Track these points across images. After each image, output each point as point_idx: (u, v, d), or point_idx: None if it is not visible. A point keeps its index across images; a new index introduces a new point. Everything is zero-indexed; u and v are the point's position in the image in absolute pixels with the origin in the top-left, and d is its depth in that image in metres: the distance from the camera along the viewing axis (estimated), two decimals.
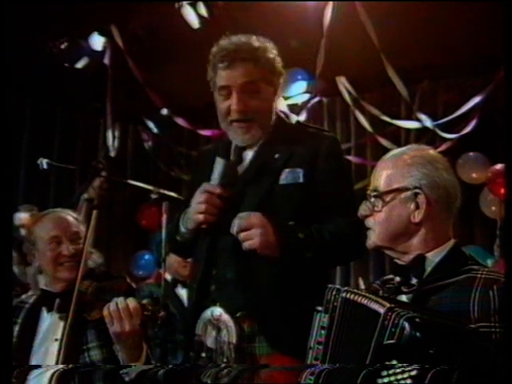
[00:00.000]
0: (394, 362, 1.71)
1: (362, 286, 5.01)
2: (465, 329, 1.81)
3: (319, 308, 1.99)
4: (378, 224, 2.05)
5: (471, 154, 5.34)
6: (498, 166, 5.09)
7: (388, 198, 2.03)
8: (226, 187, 2.45)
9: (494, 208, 5.20)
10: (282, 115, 2.67)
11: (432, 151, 2.14)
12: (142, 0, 5.15)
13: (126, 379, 2.25)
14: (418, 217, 2.00)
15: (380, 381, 1.70)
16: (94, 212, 2.79)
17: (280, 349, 2.36)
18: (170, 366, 2.45)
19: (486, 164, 5.23)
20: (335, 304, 1.95)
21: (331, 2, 4.76)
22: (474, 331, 1.82)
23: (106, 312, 2.52)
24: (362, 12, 4.67)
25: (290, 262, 2.39)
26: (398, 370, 1.70)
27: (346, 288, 1.97)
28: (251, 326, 2.41)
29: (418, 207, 2.01)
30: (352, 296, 1.92)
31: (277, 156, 2.51)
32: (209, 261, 2.49)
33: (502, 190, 5.01)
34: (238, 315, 2.39)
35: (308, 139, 2.57)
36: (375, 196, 2.05)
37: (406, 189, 2.02)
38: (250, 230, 2.35)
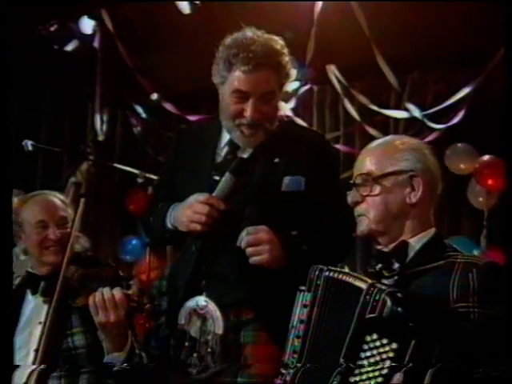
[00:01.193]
0: (375, 336, 1.75)
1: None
2: (445, 307, 1.86)
3: (302, 287, 2.03)
4: (372, 208, 2.08)
5: (459, 144, 5.34)
6: (486, 157, 5.11)
7: (385, 182, 2.06)
8: (227, 201, 2.42)
9: (481, 199, 5.21)
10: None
11: (415, 140, 2.20)
12: None
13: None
14: (413, 198, 2.05)
15: (363, 354, 1.75)
16: (82, 199, 2.78)
17: (270, 338, 2.37)
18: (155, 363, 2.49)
19: (474, 155, 5.25)
20: (318, 283, 1.99)
21: None
22: (453, 310, 1.86)
23: (91, 301, 2.50)
24: (354, 2, 4.66)
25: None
26: (370, 369, 1.73)
27: (328, 267, 2.00)
28: (237, 317, 2.42)
29: (413, 189, 2.05)
30: (335, 274, 1.96)
31: (276, 160, 2.50)
32: (199, 258, 2.46)
33: (490, 181, 5.04)
34: (225, 306, 2.39)
35: (305, 144, 2.56)
36: (373, 179, 2.07)
37: (401, 172, 2.06)
38: (258, 245, 2.35)
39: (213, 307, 2.39)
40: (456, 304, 1.87)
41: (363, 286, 1.84)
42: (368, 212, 2.08)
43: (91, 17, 5.53)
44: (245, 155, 2.50)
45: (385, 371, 1.72)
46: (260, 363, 2.38)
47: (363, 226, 2.11)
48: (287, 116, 4.98)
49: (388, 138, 2.23)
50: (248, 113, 2.42)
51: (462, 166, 5.30)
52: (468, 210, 5.39)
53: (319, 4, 4.78)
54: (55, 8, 5.34)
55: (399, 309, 1.74)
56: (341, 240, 2.49)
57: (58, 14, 5.52)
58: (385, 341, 1.74)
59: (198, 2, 5.07)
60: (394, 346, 1.72)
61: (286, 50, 2.50)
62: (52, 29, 5.58)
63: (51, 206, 2.96)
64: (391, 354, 1.72)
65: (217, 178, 2.47)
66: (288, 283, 2.19)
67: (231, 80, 2.44)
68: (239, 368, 2.39)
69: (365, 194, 2.09)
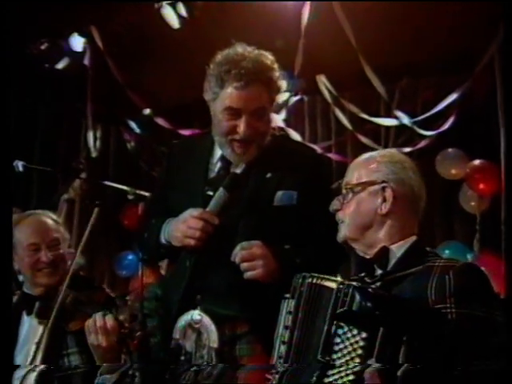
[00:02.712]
0: (346, 329, 1.86)
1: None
2: (413, 300, 1.94)
3: (287, 295, 2.10)
4: (347, 216, 2.18)
5: (450, 150, 5.38)
6: (477, 162, 5.15)
7: (358, 191, 2.16)
8: (221, 216, 2.45)
9: (473, 203, 5.25)
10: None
11: (399, 153, 2.30)
12: (122, 0, 5.15)
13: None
14: (384, 209, 2.13)
15: (336, 347, 1.86)
16: (96, 209, 2.79)
17: (265, 350, 2.36)
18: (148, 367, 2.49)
19: (465, 160, 5.28)
20: (302, 289, 2.06)
21: (309, 2, 4.79)
22: (422, 302, 1.93)
23: (86, 327, 2.54)
24: (340, 12, 4.70)
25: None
26: (350, 335, 1.83)
27: (311, 274, 2.06)
28: (232, 330, 2.44)
29: (384, 200, 2.13)
30: (315, 280, 2.03)
31: (269, 176, 2.53)
32: (193, 273, 2.47)
33: (481, 186, 5.07)
34: (220, 320, 2.41)
35: (297, 158, 2.59)
36: (346, 189, 2.18)
37: (373, 182, 2.15)
38: (253, 261, 2.38)
39: (207, 321, 2.41)
40: (434, 306, 1.93)
41: (334, 285, 1.94)
42: (344, 219, 2.18)
43: (81, 34, 5.55)
44: (238, 170, 2.52)
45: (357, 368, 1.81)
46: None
47: (341, 232, 2.20)
48: (280, 129, 5.00)
49: (379, 151, 2.37)
50: (241, 129, 2.45)
51: (453, 171, 5.34)
52: (460, 214, 5.43)
53: (306, 15, 4.81)
54: (45, 25, 5.36)
55: (367, 301, 1.83)
56: (333, 252, 2.50)
57: (47, 32, 5.54)
58: (355, 331, 1.84)
59: (186, 16, 5.09)
60: (364, 335, 1.82)
61: (276, 66, 2.53)
62: (42, 47, 5.60)
63: (43, 228, 2.97)
64: (362, 344, 1.82)
65: (210, 193, 2.50)
66: (281, 296, 2.21)
67: (223, 97, 2.46)
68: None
69: (342, 201, 2.19)
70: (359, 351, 1.82)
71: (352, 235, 2.17)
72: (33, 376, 2.62)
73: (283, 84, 2.61)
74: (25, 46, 5.55)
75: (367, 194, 2.15)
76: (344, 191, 2.19)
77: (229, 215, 2.47)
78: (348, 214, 2.17)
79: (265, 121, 2.52)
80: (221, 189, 2.44)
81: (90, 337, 2.53)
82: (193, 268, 2.47)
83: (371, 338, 1.80)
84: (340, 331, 1.87)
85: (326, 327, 1.91)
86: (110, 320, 2.52)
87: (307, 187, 2.53)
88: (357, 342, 1.83)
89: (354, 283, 1.92)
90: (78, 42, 5.62)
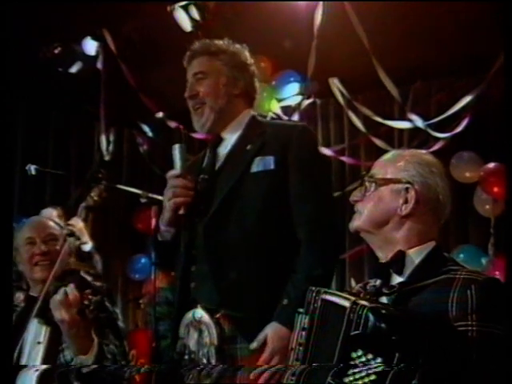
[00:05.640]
0: (360, 353, 1.76)
1: (354, 285, 5.03)
2: (431, 321, 1.84)
3: (300, 310, 2.04)
4: (365, 209, 2.10)
5: (464, 153, 5.35)
6: (491, 165, 5.12)
7: (382, 186, 2.09)
8: (190, 173, 2.54)
9: (487, 207, 5.22)
10: (258, 116, 2.76)
11: (431, 156, 2.19)
12: (135, 0, 5.15)
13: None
14: (404, 210, 2.06)
15: (350, 371, 1.75)
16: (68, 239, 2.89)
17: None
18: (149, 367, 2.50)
19: (479, 163, 5.25)
20: (315, 305, 1.99)
21: (321, 3, 4.78)
22: (442, 323, 1.86)
23: (51, 305, 2.65)
24: (353, 14, 4.69)
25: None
26: (365, 360, 1.74)
27: (325, 289, 2.01)
28: (232, 327, 2.42)
29: (406, 201, 2.06)
30: (329, 296, 1.97)
31: (249, 147, 2.57)
32: (188, 257, 2.51)
33: (495, 189, 5.03)
34: (217, 316, 2.41)
35: (279, 130, 2.65)
36: (370, 181, 2.11)
37: (398, 181, 2.08)
38: (272, 358, 2.35)
39: (207, 319, 2.41)
40: (455, 322, 1.85)
41: (347, 304, 1.85)
42: (362, 210, 2.11)
43: (94, 38, 5.57)
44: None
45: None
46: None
47: (354, 221, 2.13)
48: None
49: (410, 150, 2.28)
50: (186, 94, 2.71)
51: (467, 174, 5.31)
52: (475, 218, 5.40)
53: (319, 17, 4.80)
54: (58, 30, 5.38)
55: (382, 324, 1.75)
56: (327, 243, 2.48)
57: (61, 36, 5.56)
58: (370, 356, 1.75)
59: (198, 20, 5.10)
60: (379, 360, 1.73)
61: (233, 47, 2.74)
62: (56, 51, 5.62)
63: (40, 225, 3.07)
64: (377, 369, 1.72)
65: (205, 176, 2.59)
66: (274, 284, 2.35)
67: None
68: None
69: (364, 192, 2.12)
70: (373, 377, 1.72)
71: (366, 227, 2.10)
72: (35, 376, 2.66)
73: (234, 50, 2.74)
74: (38, 50, 5.57)
75: (389, 191, 2.08)
76: (367, 184, 2.12)
77: (207, 186, 2.55)
78: (367, 207, 2.10)
79: (205, 83, 2.67)
80: (173, 146, 2.58)
81: (55, 313, 2.64)
82: (187, 247, 2.51)
83: (386, 363, 1.71)
84: (354, 354, 1.77)
85: (338, 349, 1.83)
86: (70, 293, 2.62)
87: (287, 152, 2.54)
88: (370, 366, 1.73)
89: (367, 303, 1.83)
90: (91, 46, 5.63)
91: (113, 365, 2.71)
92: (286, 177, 2.52)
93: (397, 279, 2.04)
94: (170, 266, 2.66)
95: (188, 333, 2.45)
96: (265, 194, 2.51)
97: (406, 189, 2.07)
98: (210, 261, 2.47)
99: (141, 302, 6.22)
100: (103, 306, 2.73)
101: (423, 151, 2.29)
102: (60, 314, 2.62)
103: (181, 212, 2.49)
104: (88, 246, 3.10)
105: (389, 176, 2.10)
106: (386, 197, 2.09)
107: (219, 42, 2.75)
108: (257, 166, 2.53)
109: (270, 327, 2.37)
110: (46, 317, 2.76)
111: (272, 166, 2.52)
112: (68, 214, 3.30)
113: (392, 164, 2.13)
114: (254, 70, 2.76)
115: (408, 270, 2.03)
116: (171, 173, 2.54)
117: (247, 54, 2.75)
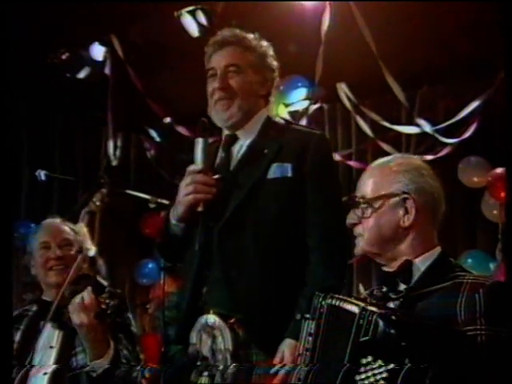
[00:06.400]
0: (370, 359, 1.75)
1: (362, 291, 5.01)
2: (441, 326, 1.83)
3: (307, 315, 2.03)
4: (367, 230, 2.07)
5: (472, 158, 5.34)
6: (498, 170, 5.10)
7: (376, 205, 2.05)
8: (211, 170, 2.49)
9: (495, 212, 5.20)
10: (272, 117, 2.70)
11: (416, 159, 2.18)
12: (144, 0, 5.15)
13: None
14: (407, 221, 2.03)
15: (358, 377, 1.75)
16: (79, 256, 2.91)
17: (269, 353, 2.37)
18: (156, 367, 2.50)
19: (487, 168, 5.24)
20: (321, 310, 1.98)
21: (328, 8, 4.78)
22: (451, 330, 1.84)
23: (69, 309, 2.66)
24: (360, 19, 4.68)
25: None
26: (375, 366, 1.73)
27: (330, 294, 1.99)
28: (245, 333, 2.40)
29: (407, 212, 2.03)
30: (335, 301, 1.96)
31: (266, 151, 2.53)
32: (201, 261, 2.48)
33: (502, 194, 5.01)
34: (231, 321, 2.39)
35: (297, 136, 2.59)
36: (363, 203, 2.07)
37: (393, 195, 2.05)
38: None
39: (221, 324, 2.39)
40: (464, 326, 1.85)
41: (356, 310, 1.85)
42: (363, 233, 2.08)
43: (101, 43, 5.58)
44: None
45: None
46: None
47: (359, 246, 2.11)
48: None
49: (389, 158, 2.19)
50: (215, 84, 2.58)
51: (475, 179, 5.30)
52: (482, 223, 5.38)
53: (326, 22, 4.80)
54: (66, 35, 5.39)
55: (391, 330, 1.75)
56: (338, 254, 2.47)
57: (68, 42, 5.57)
58: (379, 362, 1.74)
59: (205, 25, 5.10)
60: (389, 366, 1.72)
61: (256, 37, 2.66)
62: (63, 57, 5.63)
63: (55, 229, 3.08)
64: (386, 375, 1.72)
65: (218, 176, 2.53)
66: (286, 290, 2.35)
67: (207, 65, 2.65)
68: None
69: (361, 215, 2.08)
70: (381, 382, 1.72)
71: (371, 249, 2.08)
72: (45, 378, 2.67)
73: (265, 49, 2.66)
74: (46, 55, 5.58)
75: (387, 207, 2.04)
76: (363, 205, 2.07)
77: (226, 185, 2.50)
78: (367, 229, 2.07)
79: (240, 79, 2.58)
80: (196, 139, 2.50)
81: (74, 317, 2.65)
82: (202, 250, 2.47)
83: (396, 370, 1.70)
84: (363, 360, 1.76)
85: (347, 355, 1.82)
86: (88, 297, 2.64)
87: (304, 160, 2.51)
88: (381, 373, 1.72)
89: (377, 309, 1.82)
90: (98, 52, 5.64)
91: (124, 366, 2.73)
92: (302, 185, 2.50)
93: (403, 287, 2.02)
94: (177, 260, 2.65)
95: (200, 338, 2.42)
96: (281, 201, 2.49)
97: (404, 199, 2.04)
98: (223, 266, 2.45)
99: (148, 306, 6.21)
100: (120, 310, 2.74)
101: (405, 155, 2.26)
102: (79, 318, 2.64)
103: (199, 209, 2.45)
104: (91, 252, 3.10)
105: (382, 192, 2.06)
106: (385, 214, 2.05)
107: (251, 36, 2.66)
108: (274, 173, 2.50)
109: (285, 345, 2.35)
110: (60, 321, 2.77)
111: (289, 174, 2.50)
112: (73, 220, 3.30)
113: (380, 178, 2.09)
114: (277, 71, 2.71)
115: (415, 278, 2.01)
116: (192, 167, 2.48)
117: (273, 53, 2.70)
